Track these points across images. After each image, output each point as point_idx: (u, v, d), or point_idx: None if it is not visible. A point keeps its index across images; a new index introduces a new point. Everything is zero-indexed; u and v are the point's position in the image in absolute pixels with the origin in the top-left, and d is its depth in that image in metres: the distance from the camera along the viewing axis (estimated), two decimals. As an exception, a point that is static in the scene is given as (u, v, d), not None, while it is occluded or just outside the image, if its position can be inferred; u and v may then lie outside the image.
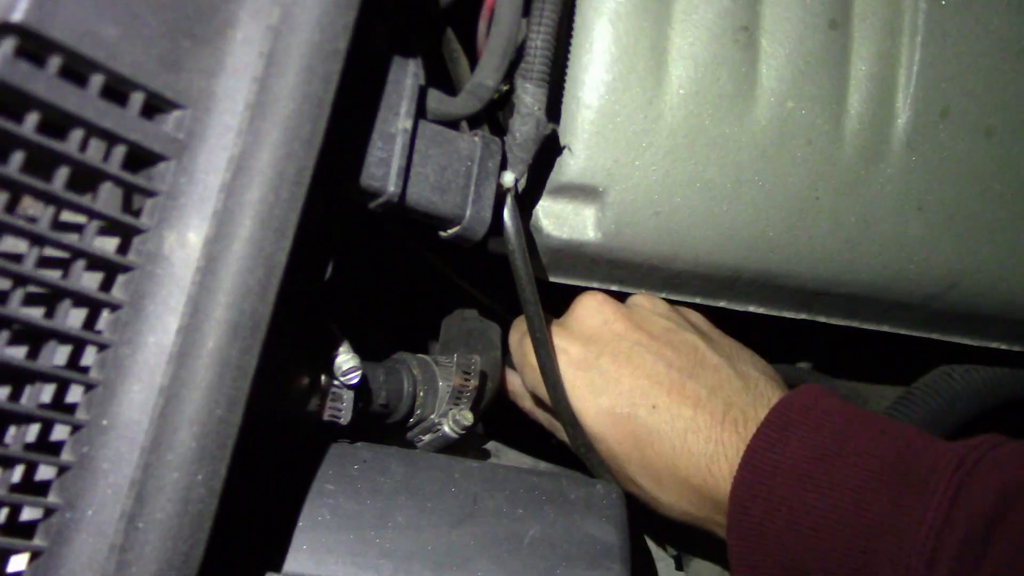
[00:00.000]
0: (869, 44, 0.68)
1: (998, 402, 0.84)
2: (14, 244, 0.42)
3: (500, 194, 0.62)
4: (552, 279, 0.71)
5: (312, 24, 0.48)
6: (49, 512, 0.43)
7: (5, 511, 0.42)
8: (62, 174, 0.42)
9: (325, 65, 0.49)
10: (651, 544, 0.78)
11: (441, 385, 0.70)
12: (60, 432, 0.44)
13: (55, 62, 0.41)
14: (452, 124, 0.62)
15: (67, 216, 0.44)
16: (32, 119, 0.41)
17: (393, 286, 0.84)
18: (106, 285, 0.45)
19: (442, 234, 0.63)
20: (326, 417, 0.60)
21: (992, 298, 0.72)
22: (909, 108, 0.68)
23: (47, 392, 0.44)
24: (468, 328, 0.79)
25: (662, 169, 0.66)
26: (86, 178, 0.44)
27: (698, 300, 0.74)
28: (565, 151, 0.65)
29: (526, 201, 0.68)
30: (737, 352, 0.70)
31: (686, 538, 0.77)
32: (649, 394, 0.65)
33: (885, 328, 0.75)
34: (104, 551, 0.42)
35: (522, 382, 0.75)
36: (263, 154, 0.46)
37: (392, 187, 0.56)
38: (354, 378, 0.60)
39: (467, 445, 0.75)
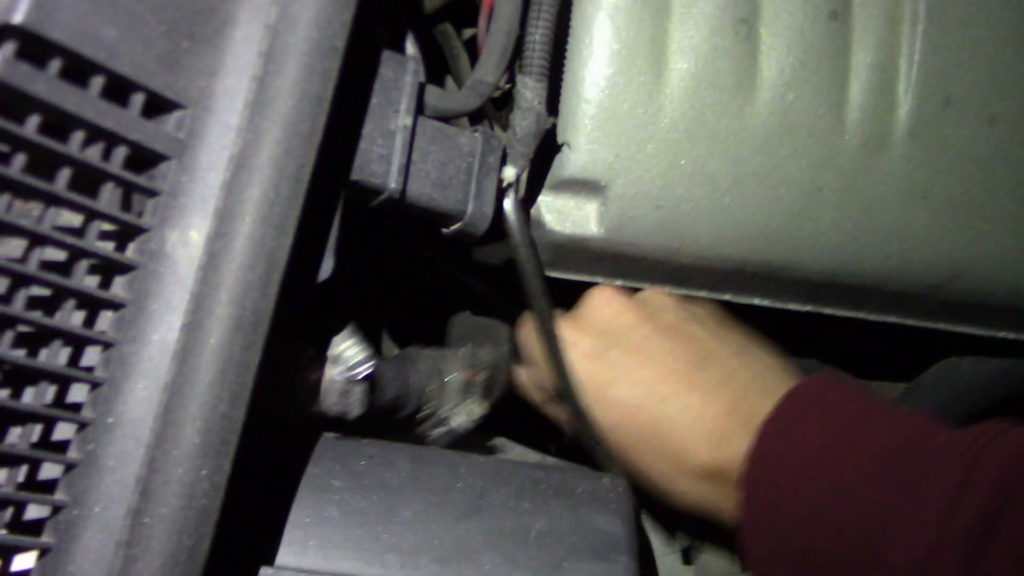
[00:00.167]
0: (870, 34, 0.67)
1: (1007, 393, 0.84)
2: (18, 245, 0.42)
3: (502, 189, 0.62)
4: (554, 275, 0.71)
5: (310, 22, 0.49)
6: (56, 509, 0.43)
7: (12, 509, 0.42)
8: (64, 175, 0.42)
9: (324, 63, 0.49)
10: (659, 538, 0.78)
11: (449, 379, 0.70)
12: (66, 431, 0.44)
13: (55, 63, 0.42)
14: (453, 120, 0.62)
15: (69, 217, 0.45)
16: (34, 120, 0.41)
17: (400, 283, 0.85)
18: (110, 284, 0.46)
19: (444, 231, 0.63)
20: (335, 411, 0.61)
21: (998, 287, 0.72)
22: (911, 97, 0.68)
23: (53, 391, 0.44)
24: (476, 324, 0.80)
25: (664, 163, 0.66)
26: (88, 179, 0.44)
27: (702, 293, 0.74)
28: (564, 147, 0.65)
29: (526, 196, 0.68)
30: (748, 343, 0.70)
31: (695, 531, 0.77)
32: (658, 386, 0.65)
33: (891, 319, 0.75)
34: (111, 547, 0.42)
35: (531, 376, 0.75)
36: (263, 152, 0.47)
37: (393, 184, 0.57)
38: (363, 371, 0.60)
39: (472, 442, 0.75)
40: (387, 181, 0.56)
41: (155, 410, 0.44)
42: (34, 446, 0.43)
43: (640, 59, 0.65)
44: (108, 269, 0.46)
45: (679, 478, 0.64)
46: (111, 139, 0.44)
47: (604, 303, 0.71)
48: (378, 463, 0.58)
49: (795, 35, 0.66)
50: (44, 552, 0.43)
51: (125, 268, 0.45)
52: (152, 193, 0.46)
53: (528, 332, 0.73)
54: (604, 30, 0.64)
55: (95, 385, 0.44)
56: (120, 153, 0.45)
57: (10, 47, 0.40)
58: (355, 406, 0.61)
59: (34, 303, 0.43)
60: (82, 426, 0.44)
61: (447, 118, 0.61)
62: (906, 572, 0.51)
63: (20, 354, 0.42)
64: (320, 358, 0.60)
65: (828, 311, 0.75)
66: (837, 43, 0.67)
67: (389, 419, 0.68)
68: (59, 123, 0.43)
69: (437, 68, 0.73)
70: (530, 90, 0.62)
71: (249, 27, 0.48)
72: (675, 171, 0.66)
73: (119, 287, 0.45)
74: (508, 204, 0.63)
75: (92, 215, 0.44)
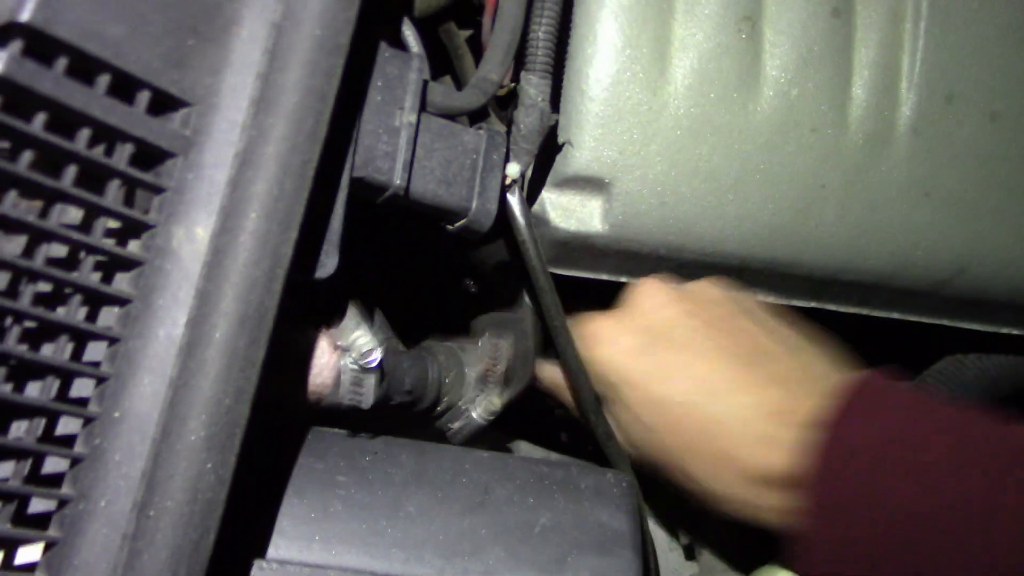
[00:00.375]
0: (872, 31, 0.68)
1: (1011, 389, 0.84)
2: (24, 241, 0.43)
3: (506, 186, 0.62)
4: (559, 272, 0.71)
5: (315, 20, 0.49)
6: (62, 503, 0.43)
7: (17, 502, 0.43)
8: (71, 172, 0.43)
9: (328, 60, 0.49)
10: (663, 534, 0.78)
11: (468, 371, 0.69)
12: (72, 425, 0.45)
13: (62, 61, 0.42)
14: (457, 118, 0.62)
15: (76, 214, 0.45)
16: (40, 118, 0.41)
17: (412, 281, 0.85)
18: (115, 281, 0.46)
19: (448, 228, 0.63)
20: (347, 401, 0.61)
21: (1001, 283, 0.72)
22: (914, 94, 0.68)
23: (59, 386, 0.44)
24: (500, 318, 0.79)
25: (667, 159, 0.66)
26: (94, 176, 0.45)
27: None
28: (567, 144, 0.65)
29: (529, 192, 0.68)
30: (796, 338, 0.67)
31: (698, 527, 0.78)
32: (706, 383, 0.62)
33: (894, 315, 0.75)
34: (117, 541, 0.43)
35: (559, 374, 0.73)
36: (268, 149, 0.47)
37: (398, 180, 0.57)
38: (373, 360, 0.60)
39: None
40: (392, 178, 0.57)
41: (161, 405, 0.44)
42: (40, 440, 0.43)
43: (644, 56, 0.65)
44: (114, 265, 0.46)
45: (726, 480, 0.61)
46: (117, 136, 0.45)
47: (648, 297, 0.68)
48: (382, 458, 0.58)
49: (798, 32, 0.67)
50: (50, 545, 0.43)
51: (131, 264, 0.46)
52: (158, 190, 0.47)
53: (575, 331, 0.70)
54: (608, 27, 0.65)
55: (101, 380, 0.45)
56: (126, 150, 0.45)
57: (17, 45, 0.40)
58: (368, 396, 0.61)
59: (41, 299, 0.44)
60: (88, 421, 0.44)
61: (451, 115, 0.62)
62: (1006, 563, 0.50)
63: (27, 349, 0.42)
64: (331, 348, 0.60)
65: (832, 307, 0.75)
66: (840, 40, 0.67)
67: (407, 412, 0.68)
68: (66, 120, 0.43)
69: (440, 66, 0.73)
70: (534, 87, 0.62)
71: (254, 25, 0.49)
72: (679, 168, 0.67)
73: (125, 283, 0.46)
74: (513, 200, 0.63)
75: (98, 211, 0.44)
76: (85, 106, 0.43)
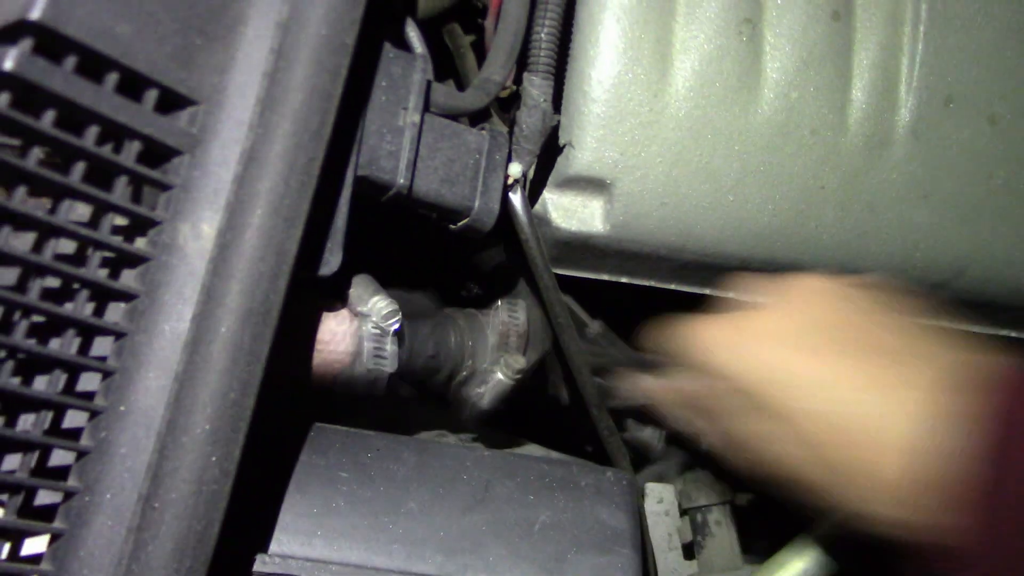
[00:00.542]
0: (872, 34, 0.68)
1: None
2: (32, 237, 0.43)
3: (508, 185, 0.63)
4: (560, 272, 0.72)
5: (320, 20, 0.49)
6: (69, 496, 0.44)
7: (24, 494, 0.43)
8: (79, 168, 0.43)
9: (333, 59, 0.50)
10: (663, 534, 0.78)
11: (488, 333, 0.69)
12: (79, 419, 0.45)
13: (71, 59, 0.43)
14: (460, 118, 0.63)
15: (84, 211, 0.46)
16: (50, 115, 0.42)
17: (420, 281, 0.85)
18: (122, 276, 0.47)
19: (451, 227, 0.64)
20: (370, 365, 0.61)
21: (1000, 285, 0.72)
22: (913, 97, 0.69)
23: (66, 380, 0.45)
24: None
25: (668, 160, 0.67)
26: (102, 173, 0.45)
27: (707, 291, 0.74)
28: (568, 145, 0.66)
29: (531, 193, 0.69)
30: (935, 334, 0.60)
31: (697, 527, 0.78)
32: (850, 389, 0.56)
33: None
34: (122, 532, 0.43)
35: (673, 386, 0.65)
36: (273, 146, 0.48)
37: (401, 179, 0.58)
38: (395, 322, 0.60)
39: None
40: (395, 177, 0.57)
41: (166, 398, 0.45)
42: (47, 433, 0.44)
43: (645, 58, 0.66)
44: (121, 261, 0.47)
45: (878, 494, 0.54)
46: (125, 134, 0.45)
47: (813, 293, 0.62)
48: (384, 455, 0.59)
49: (798, 35, 0.67)
50: (56, 537, 0.44)
51: (138, 260, 0.46)
52: (165, 187, 0.47)
53: (671, 339, 0.63)
54: (610, 29, 0.65)
55: (107, 374, 0.45)
56: (134, 147, 0.46)
57: (27, 43, 0.41)
58: (391, 359, 0.60)
59: (49, 294, 0.44)
60: (94, 414, 0.45)
61: (455, 115, 0.62)
62: None
63: (35, 343, 0.42)
64: (350, 315, 0.60)
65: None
66: (840, 43, 0.68)
67: (431, 378, 0.68)
68: (74, 118, 0.43)
69: (444, 67, 0.74)
70: (536, 88, 0.63)
71: (260, 25, 0.49)
72: (680, 169, 0.67)
73: (131, 279, 0.46)
74: (515, 200, 0.64)
75: (106, 208, 0.45)
76: (94, 103, 0.43)
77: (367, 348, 0.60)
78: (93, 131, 0.44)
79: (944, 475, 0.51)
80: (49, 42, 0.42)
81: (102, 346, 0.46)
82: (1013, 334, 0.77)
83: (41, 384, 0.44)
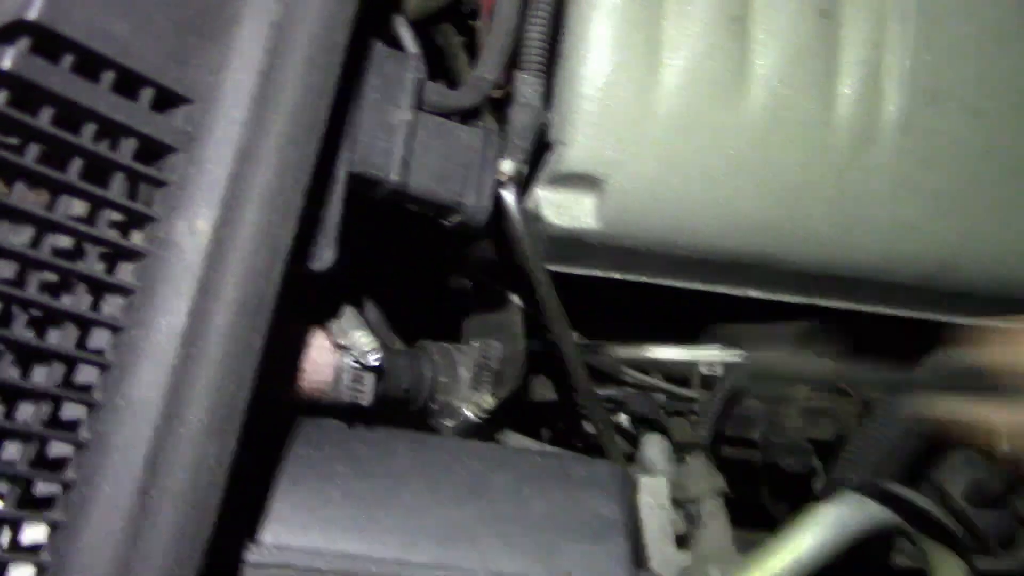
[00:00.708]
0: (859, 31, 0.69)
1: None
2: (31, 233, 0.44)
3: (500, 182, 0.64)
4: (553, 268, 0.73)
5: (314, 19, 0.50)
6: (67, 487, 0.45)
7: (24, 485, 0.44)
8: (76, 165, 0.44)
9: (327, 59, 0.51)
10: (656, 526, 0.79)
11: (462, 371, 0.71)
12: (77, 412, 0.46)
13: (68, 58, 0.44)
14: (451, 115, 0.64)
15: (81, 207, 0.47)
16: (47, 113, 0.43)
17: (407, 280, 0.86)
18: (119, 272, 0.47)
19: (445, 223, 0.64)
20: (347, 399, 0.62)
21: (987, 277, 0.73)
22: (900, 93, 0.70)
23: (64, 373, 0.46)
24: (490, 320, 0.80)
25: (659, 157, 0.68)
26: (99, 170, 0.46)
27: (698, 285, 0.75)
28: (559, 143, 0.66)
29: (523, 190, 0.70)
30: None
31: (690, 517, 0.79)
32: None
33: (882, 310, 0.77)
34: (120, 523, 0.44)
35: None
36: (268, 144, 0.48)
37: (394, 176, 0.58)
38: (374, 359, 0.62)
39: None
40: (388, 174, 0.58)
41: (163, 391, 0.45)
42: (46, 426, 0.45)
43: (636, 56, 0.66)
44: (118, 257, 0.47)
45: None
46: (121, 131, 0.46)
47: None
48: (379, 448, 0.60)
49: (786, 32, 0.68)
50: (55, 527, 0.44)
51: (134, 256, 0.47)
52: (161, 184, 0.48)
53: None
54: (601, 28, 0.66)
55: (105, 368, 0.46)
56: (130, 145, 0.46)
57: (24, 42, 0.41)
58: (368, 393, 0.62)
59: (48, 289, 0.45)
60: (92, 407, 0.45)
61: (447, 113, 0.63)
62: None
63: (33, 336, 0.43)
64: (331, 347, 0.62)
65: (820, 302, 0.76)
66: (827, 40, 0.69)
67: (404, 410, 0.70)
68: (72, 116, 0.44)
69: (437, 67, 0.75)
70: (528, 86, 0.64)
71: (254, 24, 0.50)
72: (670, 165, 0.68)
73: (128, 274, 0.47)
74: (508, 197, 0.65)
75: (102, 204, 0.46)
76: (90, 102, 0.44)
77: (346, 381, 0.62)
78: (90, 128, 0.45)
79: None
80: (46, 41, 0.43)
81: (100, 340, 0.47)
82: (1001, 325, 0.78)
83: (40, 377, 0.44)
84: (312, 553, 0.54)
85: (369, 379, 0.63)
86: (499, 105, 0.72)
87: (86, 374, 0.47)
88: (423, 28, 0.70)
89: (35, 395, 0.44)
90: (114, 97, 0.45)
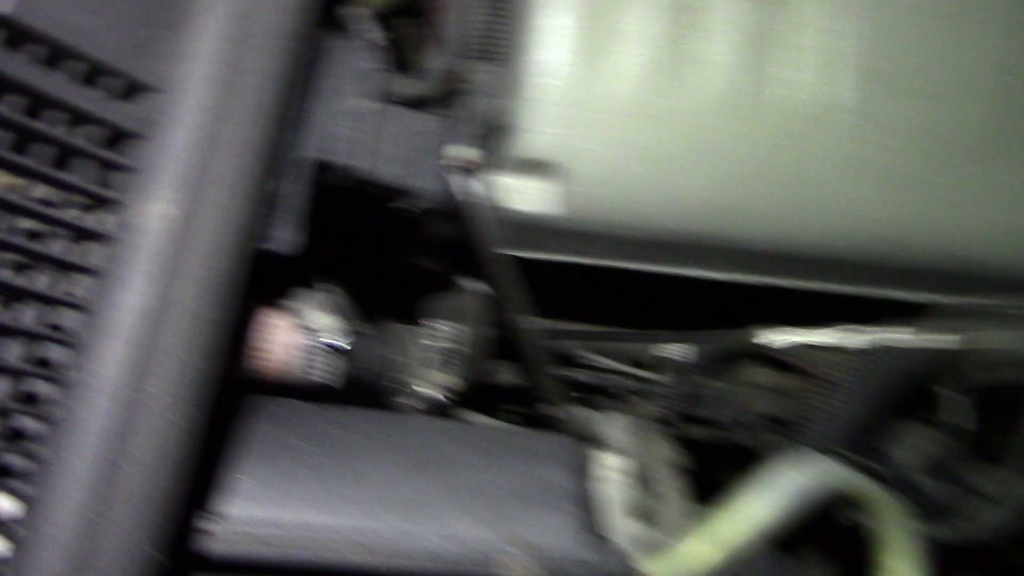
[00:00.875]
0: (813, 18, 0.71)
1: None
2: None
3: (458, 168, 0.66)
4: (516, 254, 0.74)
5: (274, 10, 0.53)
6: (37, 461, 0.47)
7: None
8: (44, 152, 0.46)
9: (288, 46, 0.53)
10: (612, 497, 0.81)
11: (430, 354, 0.74)
12: (46, 389, 0.48)
13: (34, 49, 0.46)
14: (411, 104, 0.66)
15: (49, 192, 0.49)
16: (13, 101, 0.45)
17: (368, 262, 0.88)
18: (87, 254, 0.50)
19: (404, 208, 0.67)
20: (317, 380, 0.64)
21: (939, 254, 0.75)
22: (852, 76, 0.72)
23: (32, 349, 0.48)
24: (451, 304, 0.83)
25: (617, 142, 0.70)
26: (67, 156, 0.48)
27: (660, 268, 0.77)
28: (519, 129, 0.68)
29: (481, 176, 0.71)
30: None
31: (653, 490, 0.80)
32: None
33: (834, 287, 0.79)
34: (89, 495, 0.46)
35: None
36: (230, 130, 0.51)
37: (353, 162, 0.61)
38: (343, 342, 0.64)
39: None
40: (345, 158, 0.61)
41: (130, 368, 0.47)
42: (14, 401, 0.47)
43: (590, 44, 0.68)
44: (85, 239, 0.49)
45: None
46: (88, 120, 0.48)
47: None
48: (340, 425, 0.62)
49: (739, 19, 0.70)
50: (25, 500, 0.46)
51: (101, 238, 0.49)
52: (127, 169, 0.50)
53: None
54: (555, 16, 0.68)
55: (71, 345, 0.48)
56: (97, 132, 0.49)
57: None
58: (336, 376, 0.64)
59: (16, 269, 0.47)
60: (61, 384, 0.47)
61: (405, 102, 0.65)
62: None
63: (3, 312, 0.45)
64: (292, 328, 0.64)
65: (777, 281, 0.78)
66: (781, 26, 0.71)
67: (372, 392, 0.72)
68: (39, 105, 0.46)
69: (394, 58, 0.77)
70: (484, 74, 0.66)
71: (216, 14, 0.52)
72: (629, 150, 0.70)
73: (95, 256, 0.49)
74: (466, 182, 0.67)
75: (68, 189, 0.48)
76: (58, 91, 0.46)
77: (315, 363, 0.64)
78: (56, 116, 0.47)
79: None
80: (15, 34, 0.45)
81: (68, 320, 0.49)
82: (952, 301, 0.80)
83: (7, 353, 0.46)
84: (275, 525, 0.56)
85: (338, 361, 0.65)
86: (456, 92, 0.74)
87: (55, 352, 0.49)
88: (384, 20, 0.72)
89: (3, 370, 0.46)
90: (80, 86, 0.48)
